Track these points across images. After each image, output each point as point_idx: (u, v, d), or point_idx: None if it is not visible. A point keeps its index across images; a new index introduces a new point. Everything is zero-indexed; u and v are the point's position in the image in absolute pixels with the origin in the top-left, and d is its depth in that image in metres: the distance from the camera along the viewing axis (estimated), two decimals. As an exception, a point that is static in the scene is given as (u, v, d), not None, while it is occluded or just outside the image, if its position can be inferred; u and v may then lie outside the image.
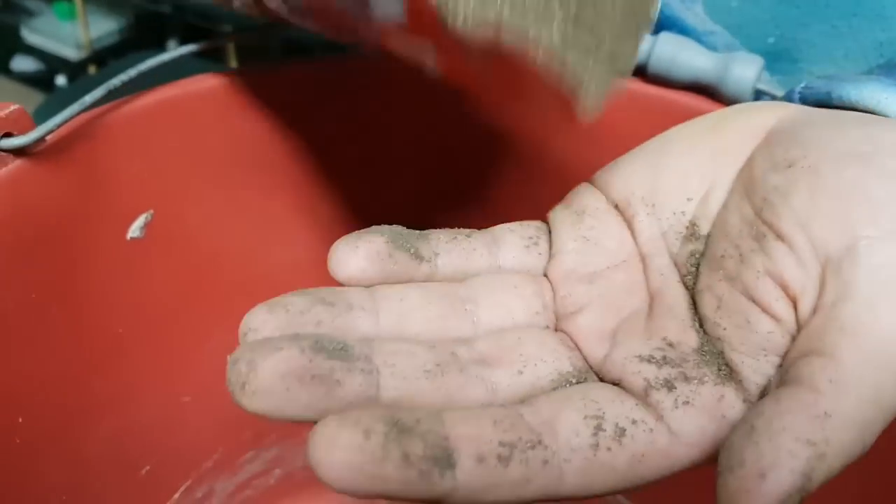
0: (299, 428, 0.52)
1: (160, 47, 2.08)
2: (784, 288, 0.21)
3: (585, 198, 0.28)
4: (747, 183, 0.24)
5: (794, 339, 0.21)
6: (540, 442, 0.20)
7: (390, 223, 0.45)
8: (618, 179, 0.28)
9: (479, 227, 0.31)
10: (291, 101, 0.40)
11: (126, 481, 0.41)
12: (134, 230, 0.38)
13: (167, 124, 0.37)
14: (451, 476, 0.18)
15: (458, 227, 0.44)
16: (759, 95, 0.38)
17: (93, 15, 2.09)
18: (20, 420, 0.34)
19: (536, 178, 0.43)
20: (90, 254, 0.36)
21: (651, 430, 0.20)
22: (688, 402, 0.21)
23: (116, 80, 0.35)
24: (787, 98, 0.32)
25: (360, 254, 0.24)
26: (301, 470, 0.50)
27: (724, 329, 0.22)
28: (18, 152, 0.32)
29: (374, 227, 0.25)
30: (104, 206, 0.36)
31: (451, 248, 0.27)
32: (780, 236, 0.22)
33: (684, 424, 0.20)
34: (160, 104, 0.37)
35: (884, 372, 0.19)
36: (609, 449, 0.20)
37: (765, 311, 0.21)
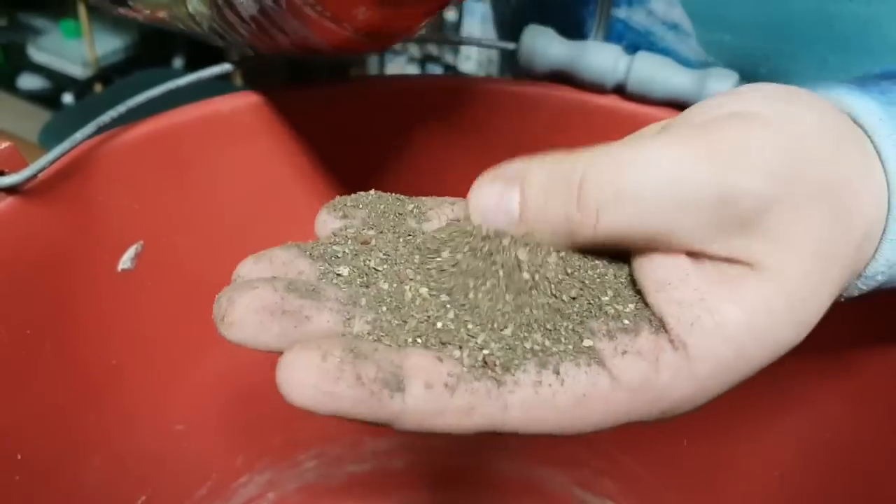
0: (291, 451, 0.53)
1: (166, 65, 2.07)
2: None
3: None
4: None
5: None
6: (485, 374, 0.21)
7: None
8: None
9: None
10: (277, 129, 0.40)
11: (123, 511, 0.41)
12: (125, 262, 0.38)
13: (154, 156, 0.38)
14: (399, 399, 0.20)
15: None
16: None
17: (99, 33, 2.07)
18: (19, 457, 0.34)
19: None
20: (82, 287, 0.36)
21: (594, 373, 0.22)
22: (626, 351, 0.22)
23: (106, 117, 0.35)
24: None
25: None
26: (294, 493, 0.50)
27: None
28: (10, 190, 0.32)
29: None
30: (95, 240, 0.36)
31: (435, 214, 0.28)
32: None
33: (624, 370, 0.22)
34: (147, 136, 0.37)
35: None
36: (550, 385, 0.22)
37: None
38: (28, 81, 1.39)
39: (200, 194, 0.40)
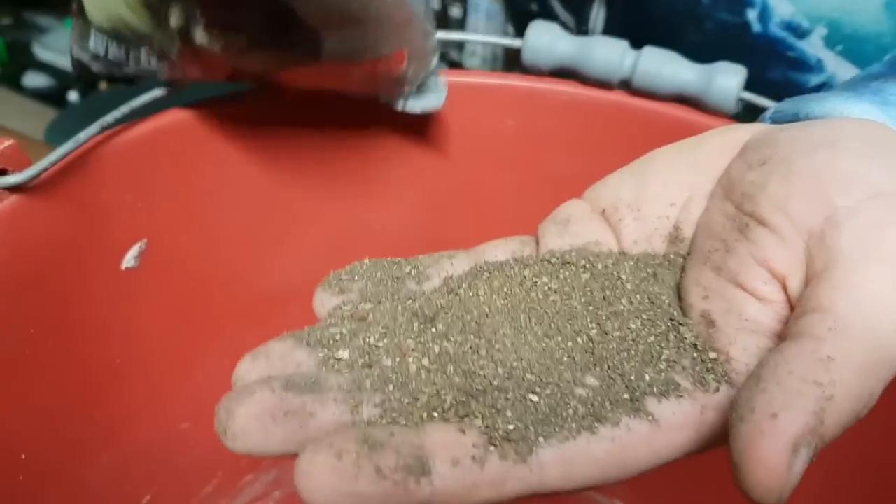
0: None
1: None
2: (770, 270, 0.22)
3: (571, 208, 0.30)
4: (726, 186, 0.25)
5: (782, 319, 0.22)
6: (512, 449, 0.20)
7: (382, 244, 0.45)
8: (605, 189, 0.29)
9: (478, 241, 0.31)
10: (282, 128, 0.40)
11: (129, 509, 0.41)
12: (129, 260, 0.38)
13: (158, 154, 0.37)
14: (427, 483, 0.19)
15: (453, 243, 0.45)
16: (743, 105, 0.39)
17: None
18: (23, 457, 0.34)
19: (528, 187, 0.44)
20: (86, 286, 0.36)
21: (631, 416, 0.21)
22: (669, 391, 0.21)
23: (110, 117, 0.35)
24: (759, 122, 0.32)
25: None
26: (301, 491, 0.50)
27: (712, 315, 0.23)
28: (14, 189, 0.32)
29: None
30: (99, 238, 0.36)
31: (434, 271, 0.28)
32: (761, 222, 0.23)
33: (665, 412, 0.21)
34: (151, 134, 0.37)
35: (881, 320, 0.19)
36: (587, 441, 0.20)
37: (751, 294, 0.22)
38: (33, 80, 1.39)
39: (205, 193, 0.40)
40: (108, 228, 0.37)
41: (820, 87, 0.43)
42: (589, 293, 0.25)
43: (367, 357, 0.23)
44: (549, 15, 0.53)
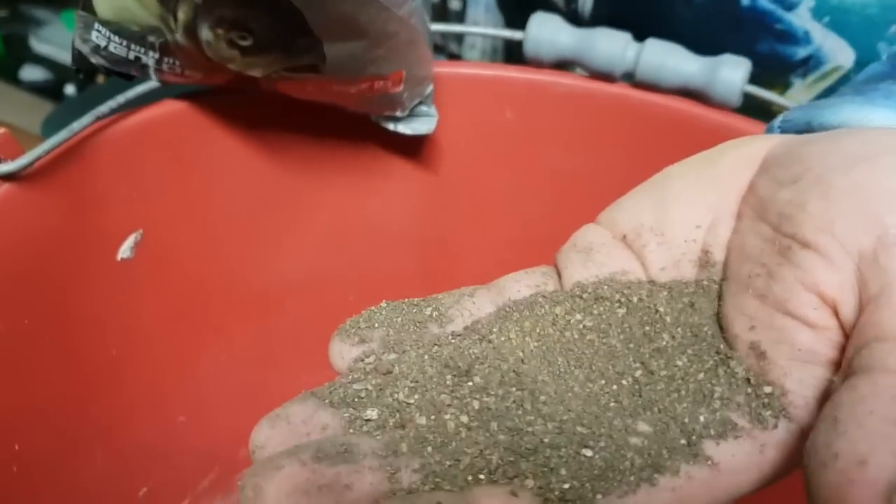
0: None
1: None
2: (820, 295, 0.21)
3: (590, 235, 0.28)
4: (756, 206, 0.24)
5: (836, 346, 0.21)
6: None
7: (381, 238, 0.45)
8: (623, 214, 0.27)
9: (478, 235, 0.31)
10: (277, 119, 0.40)
11: (126, 499, 0.40)
12: (124, 251, 0.37)
13: (153, 145, 0.37)
14: None
15: (452, 236, 0.45)
16: (747, 98, 0.39)
17: None
18: (17, 448, 0.33)
19: (528, 180, 0.43)
20: (81, 276, 0.36)
21: (690, 463, 0.20)
22: (726, 432, 0.21)
23: (105, 108, 0.35)
24: (768, 132, 0.32)
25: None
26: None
27: (762, 346, 0.22)
28: (7, 177, 0.32)
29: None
30: (94, 228, 0.36)
31: (457, 311, 0.26)
32: (804, 244, 0.22)
33: (725, 454, 0.20)
34: (145, 125, 0.37)
35: None
36: (646, 490, 0.20)
37: (802, 322, 0.21)
38: (30, 73, 1.38)
39: (200, 183, 0.39)
40: (103, 218, 0.36)
41: (807, 60, 0.43)
42: (628, 329, 0.24)
43: (398, 416, 0.21)
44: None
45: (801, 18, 0.41)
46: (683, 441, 0.20)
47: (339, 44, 0.33)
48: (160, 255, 0.39)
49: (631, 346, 0.23)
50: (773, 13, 0.41)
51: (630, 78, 0.41)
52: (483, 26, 0.77)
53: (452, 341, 0.24)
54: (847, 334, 0.20)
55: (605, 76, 0.41)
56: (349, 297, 0.45)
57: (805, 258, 0.21)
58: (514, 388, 0.22)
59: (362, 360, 0.23)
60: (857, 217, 0.21)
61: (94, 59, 0.35)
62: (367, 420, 0.21)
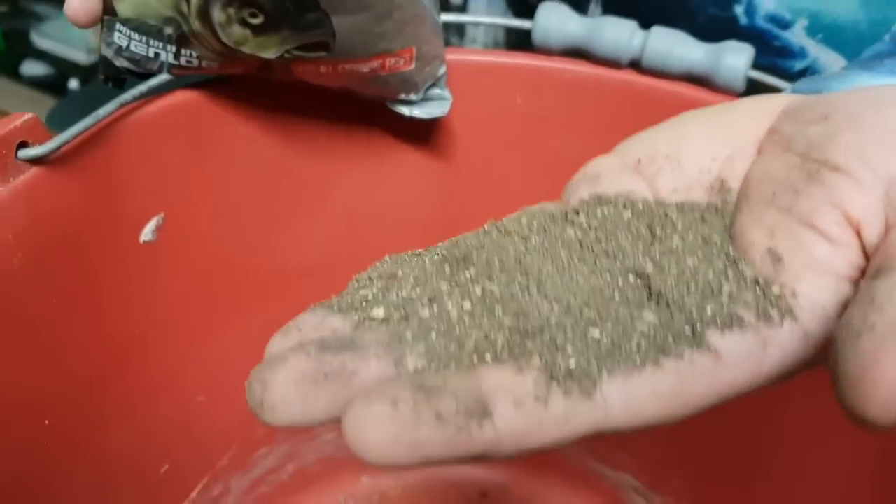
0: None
1: None
2: (845, 214, 0.21)
3: (600, 164, 0.28)
4: (781, 142, 0.24)
5: (853, 265, 0.21)
6: (576, 386, 0.19)
7: (392, 221, 0.46)
8: (638, 143, 0.28)
9: (488, 218, 0.32)
10: (292, 106, 0.41)
11: (146, 481, 0.42)
12: (146, 233, 0.39)
13: (173, 131, 0.38)
14: (489, 426, 0.18)
15: (463, 220, 0.46)
16: (750, 84, 0.40)
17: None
18: (47, 423, 0.35)
19: (537, 165, 0.44)
20: (106, 258, 0.37)
21: (693, 350, 0.20)
22: (731, 324, 0.21)
23: (128, 95, 0.36)
24: None
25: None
26: (314, 465, 0.51)
27: (779, 252, 0.22)
28: (35, 161, 0.33)
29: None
30: (118, 212, 0.37)
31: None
32: (835, 168, 0.22)
33: (728, 346, 0.21)
34: (166, 112, 0.38)
35: None
36: (652, 373, 0.20)
37: (823, 236, 0.21)
38: (31, 68, 1.40)
39: (218, 168, 0.41)
40: (126, 202, 0.37)
41: (804, 72, 0.44)
42: (635, 231, 0.24)
43: (402, 311, 0.21)
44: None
45: (796, 36, 0.43)
46: (688, 329, 0.21)
47: (346, 17, 0.34)
48: (180, 237, 0.40)
49: (640, 245, 0.23)
50: (771, 31, 0.43)
51: (636, 65, 0.42)
52: (489, 17, 0.78)
53: (450, 240, 0.24)
54: (867, 256, 0.21)
55: (611, 63, 0.42)
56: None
57: (834, 179, 0.22)
58: (517, 275, 0.22)
59: (368, 273, 0.23)
60: (888, 146, 0.21)
61: (118, 62, 0.36)
62: (374, 319, 0.21)
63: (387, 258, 0.25)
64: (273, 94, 0.40)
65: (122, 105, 0.36)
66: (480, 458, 0.18)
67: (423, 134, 0.44)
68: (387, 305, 0.22)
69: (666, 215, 0.24)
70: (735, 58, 0.39)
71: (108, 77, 0.38)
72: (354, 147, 0.44)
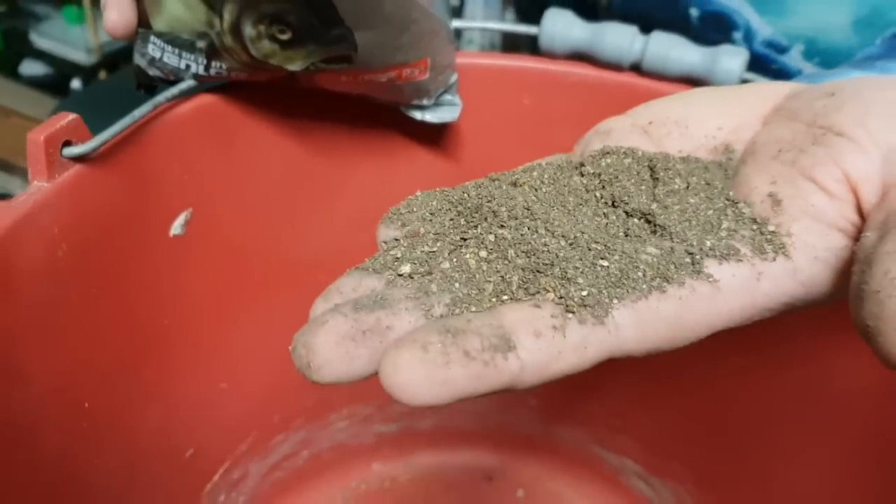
0: (325, 411, 0.55)
1: None
2: (845, 173, 0.23)
3: (613, 122, 0.30)
4: (787, 114, 0.27)
5: (846, 218, 0.23)
6: (590, 314, 0.21)
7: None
8: (651, 108, 0.30)
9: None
10: (310, 109, 0.43)
11: (174, 463, 0.44)
12: (176, 227, 0.41)
13: (201, 132, 0.40)
14: (514, 358, 0.20)
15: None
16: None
17: (100, 20, 2.08)
18: (86, 405, 0.37)
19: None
20: (138, 250, 0.39)
21: (694, 278, 0.22)
22: (729, 255, 0.23)
23: (161, 97, 0.38)
24: None
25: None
26: (327, 451, 0.53)
27: (779, 196, 0.24)
28: (78, 159, 0.35)
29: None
30: (150, 206, 0.39)
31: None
32: (839, 133, 0.24)
33: (725, 274, 0.23)
34: (196, 112, 0.40)
35: None
36: (658, 300, 0.22)
37: (822, 188, 0.24)
38: (30, 68, 1.41)
39: (242, 166, 0.43)
40: (157, 198, 0.40)
41: None
42: (636, 174, 0.26)
43: (426, 265, 0.23)
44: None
45: (793, 60, 0.45)
46: (689, 259, 0.23)
47: (367, 32, 0.36)
48: (207, 232, 0.42)
49: (643, 188, 0.26)
50: (769, 56, 0.45)
51: (637, 68, 0.44)
52: (482, 20, 0.81)
53: (472, 191, 0.25)
54: (861, 214, 0.23)
55: (614, 66, 0.44)
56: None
57: (837, 141, 0.24)
58: (527, 220, 0.24)
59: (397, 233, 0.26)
60: (889, 119, 0.24)
61: (151, 71, 0.38)
62: (401, 275, 0.23)
63: (419, 193, 0.27)
64: (293, 97, 0.42)
65: (155, 107, 0.38)
66: (506, 391, 0.20)
67: (434, 134, 0.46)
68: (412, 262, 0.24)
69: (669, 162, 0.26)
70: (731, 60, 0.42)
71: (140, 84, 0.40)
72: (368, 147, 0.46)
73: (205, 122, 0.40)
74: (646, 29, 0.44)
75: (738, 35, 0.46)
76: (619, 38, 0.43)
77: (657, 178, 0.26)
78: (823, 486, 0.43)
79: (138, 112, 0.37)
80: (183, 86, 0.40)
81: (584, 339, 0.21)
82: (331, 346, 0.20)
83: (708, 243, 0.23)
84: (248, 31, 0.37)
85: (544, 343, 0.21)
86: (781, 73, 0.46)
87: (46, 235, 0.34)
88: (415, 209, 0.26)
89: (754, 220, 0.24)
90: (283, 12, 0.36)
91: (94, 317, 0.37)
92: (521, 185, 0.26)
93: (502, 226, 0.24)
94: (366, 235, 0.48)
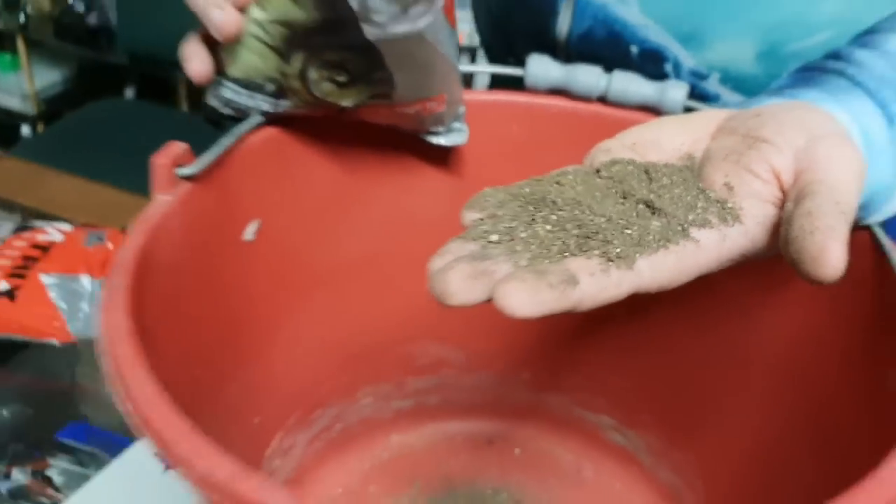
0: (353, 390, 0.66)
1: (118, 94, 2.14)
2: (771, 166, 0.36)
3: (608, 143, 0.42)
4: (728, 130, 0.40)
5: (774, 196, 0.36)
6: (622, 264, 0.32)
7: (420, 224, 0.59)
8: (632, 133, 0.43)
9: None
10: (346, 137, 0.54)
11: (246, 428, 0.53)
12: (248, 234, 0.51)
13: (269, 155, 0.51)
14: (578, 289, 0.30)
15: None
16: (687, 110, 0.54)
17: (37, 66, 2.09)
18: (196, 373, 0.46)
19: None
20: (223, 252, 0.49)
21: (684, 240, 0.34)
22: (705, 224, 0.35)
23: (243, 128, 0.48)
24: None
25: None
26: (356, 425, 0.63)
27: (732, 184, 0.37)
28: (188, 178, 0.45)
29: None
30: (232, 216, 0.49)
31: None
32: (764, 140, 0.37)
33: (703, 236, 0.35)
34: (264, 141, 0.50)
35: (846, 175, 0.35)
36: (663, 254, 0.33)
37: (757, 177, 0.36)
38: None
39: (298, 184, 0.53)
40: (236, 209, 0.49)
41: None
42: (635, 175, 0.38)
43: (508, 236, 0.33)
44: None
45: (712, 85, 0.58)
46: (679, 228, 0.35)
47: (402, 74, 0.47)
48: (269, 238, 0.52)
49: (643, 185, 0.37)
50: (693, 83, 0.58)
51: (603, 99, 0.56)
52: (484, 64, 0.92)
53: (526, 189, 0.37)
54: (783, 192, 0.36)
55: (584, 98, 0.56)
56: (396, 272, 0.59)
57: (764, 147, 0.37)
58: (576, 206, 0.35)
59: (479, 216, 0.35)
60: (797, 129, 0.37)
61: (225, 110, 0.49)
62: (492, 241, 0.33)
63: (488, 189, 0.37)
64: (334, 128, 0.53)
65: (237, 137, 0.48)
66: (571, 311, 0.30)
67: (443, 156, 0.57)
68: (498, 233, 0.34)
69: (657, 167, 0.39)
70: (676, 92, 0.54)
71: (209, 119, 0.51)
72: (392, 167, 0.57)
73: (270, 149, 0.51)
74: (603, 65, 0.56)
75: (668, 66, 0.58)
76: (587, 76, 0.55)
77: (651, 178, 0.38)
78: (766, 419, 0.55)
79: (226, 140, 0.47)
80: (253, 121, 0.50)
81: (619, 278, 0.32)
82: (458, 281, 0.30)
83: (690, 217, 0.36)
84: (313, 75, 0.47)
85: (595, 280, 0.31)
86: (703, 97, 0.58)
87: (173, 237, 0.43)
88: (488, 198, 0.37)
89: (717, 201, 0.37)
90: (344, 61, 0.47)
91: (198, 308, 0.47)
92: (563, 185, 0.37)
93: (561, 209, 0.35)
94: (391, 241, 0.59)
